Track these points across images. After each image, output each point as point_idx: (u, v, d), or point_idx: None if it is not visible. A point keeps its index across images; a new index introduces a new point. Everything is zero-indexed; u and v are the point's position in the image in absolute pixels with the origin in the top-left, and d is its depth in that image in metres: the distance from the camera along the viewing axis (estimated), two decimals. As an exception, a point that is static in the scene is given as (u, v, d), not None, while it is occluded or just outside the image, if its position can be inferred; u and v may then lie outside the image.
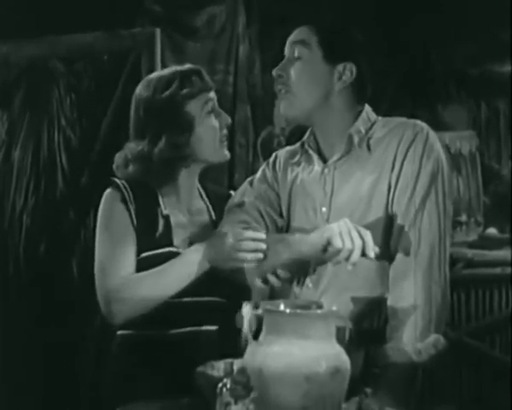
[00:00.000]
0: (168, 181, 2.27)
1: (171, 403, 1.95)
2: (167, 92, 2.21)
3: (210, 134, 2.25)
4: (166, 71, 2.30)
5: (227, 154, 2.30)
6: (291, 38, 2.14)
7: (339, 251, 1.88)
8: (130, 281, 2.13)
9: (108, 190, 2.24)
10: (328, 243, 1.89)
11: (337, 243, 1.87)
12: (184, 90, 2.21)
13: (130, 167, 2.24)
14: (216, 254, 2.10)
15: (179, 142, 2.21)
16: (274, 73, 2.14)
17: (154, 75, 2.31)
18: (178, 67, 2.29)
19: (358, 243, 1.87)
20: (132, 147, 2.24)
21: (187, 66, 2.29)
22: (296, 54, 2.10)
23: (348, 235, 1.87)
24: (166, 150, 2.20)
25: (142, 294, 2.11)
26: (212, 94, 2.28)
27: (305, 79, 2.09)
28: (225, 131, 2.29)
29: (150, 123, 2.23)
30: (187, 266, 2.13)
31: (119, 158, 2.28)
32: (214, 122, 2.25)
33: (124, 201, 2.20)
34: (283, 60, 2.13)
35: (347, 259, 1.87)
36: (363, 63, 2.10)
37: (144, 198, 2.23)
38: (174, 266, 2.13)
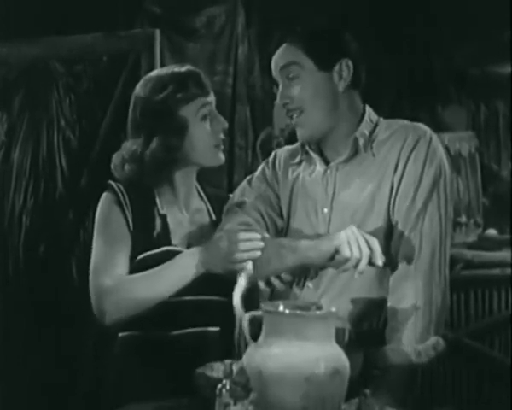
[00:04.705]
0: (164, 181, 2.27)
1: (171, 403, 1.95)
2: (162, 95, 2.20)
3: (204, 138, 2.23)
4: (165, 71, 2.29)
5: (221, 158, 2.27)
6: (278, 62, 2.11)
7: (346, 260, 1.89)
8: (122, 282, 2.12)
9: (104, 194, 2.24)
10: (337, 251, 1.91)
11: (345, 251, 1.89)
12: (179, 95, 2.20)
13: (126, 167, 2.24)
14: (211, 257, 2.07)
15: (172, 144, 2.20)
16: (279, 102, 2.11)
17: (152, 74, 2.30)
18: (177, 68, 2.27)
19: (366, 251, 1.88)
20: (128, 146, 2.24)
21: (186, 68, 2.27)
22: (291, 75, 2.08)
23: (356, 243, 1.89)
24: (158, 152, 2.19)
25: (134, 295, 2.10)
26: (210, 98, 2.25)
27: (309, 95, 2.07)
28: (222, 136, 2.27)
29: (145, 123, 2.22)
30: (181, 269, 2.11)
31: (116, 158, 2.28)
32: (209, 126, 2.24)
33: (119, 203, 2.20)
34: (280, 87, 2.11)
35: (355, 267, 1.88)
36: (357, 56, 2.09)
37: (141, 199, 2.23)
38: (168, 269, 2.12)
